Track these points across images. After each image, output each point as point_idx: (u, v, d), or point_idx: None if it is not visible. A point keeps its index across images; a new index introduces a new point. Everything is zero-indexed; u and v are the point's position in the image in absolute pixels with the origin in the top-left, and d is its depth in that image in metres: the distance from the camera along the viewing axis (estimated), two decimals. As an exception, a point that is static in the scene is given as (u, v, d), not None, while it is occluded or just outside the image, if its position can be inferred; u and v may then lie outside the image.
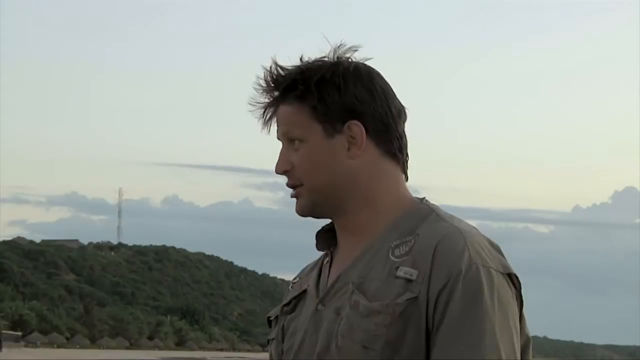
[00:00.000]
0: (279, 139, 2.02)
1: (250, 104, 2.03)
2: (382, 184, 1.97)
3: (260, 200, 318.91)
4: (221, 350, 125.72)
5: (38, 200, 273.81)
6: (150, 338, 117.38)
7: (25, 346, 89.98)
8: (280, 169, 2.00)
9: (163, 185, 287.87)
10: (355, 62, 1.99)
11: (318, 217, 2.02)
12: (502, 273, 1.87)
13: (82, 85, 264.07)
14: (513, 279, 1.89)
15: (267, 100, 2.01)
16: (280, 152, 2.00)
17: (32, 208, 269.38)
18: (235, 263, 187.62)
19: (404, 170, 2.00)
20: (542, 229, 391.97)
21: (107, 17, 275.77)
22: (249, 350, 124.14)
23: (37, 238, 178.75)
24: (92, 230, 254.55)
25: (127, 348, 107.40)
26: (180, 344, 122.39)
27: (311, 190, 1.97)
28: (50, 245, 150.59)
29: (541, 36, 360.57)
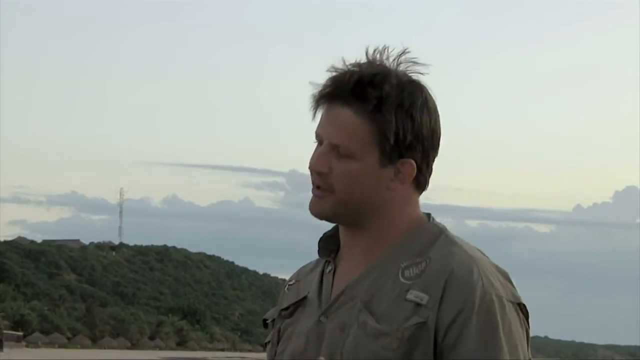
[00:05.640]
0: (320, 135, 1.95)
1: (323, 85, 1.93)
2: (405, 211, 1.96)
3: (260, 200, 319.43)
4: (222, 350, 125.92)
5: (38, 200, 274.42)
6: (152, 338, 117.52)
7: (27, 346, 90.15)
8: (317, 169, 1.93)
9: (163, 185, 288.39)
10: (425, 88, 1.95)
11: (331, 222, 2.00)
12: (512, 302, 1.88)
13: (83, 86, 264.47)
14: (522, 308, 1.91)
15: (336, 92, 1.92)
16: (321, 152, 1.94)
17: (32, 208, 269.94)
18: (236, 263, 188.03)
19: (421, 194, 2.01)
20: (543, 228, 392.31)
21: (110, 18, 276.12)
22: (250, 350, 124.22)
23: (37, 238, 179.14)
24: (92, 230, 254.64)
25: (128, 348, 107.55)
26: (182, 344, 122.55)
27: (339, 202, 1.93)
28: (52, 245, 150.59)
29: (542, 35, 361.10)
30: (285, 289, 2.09)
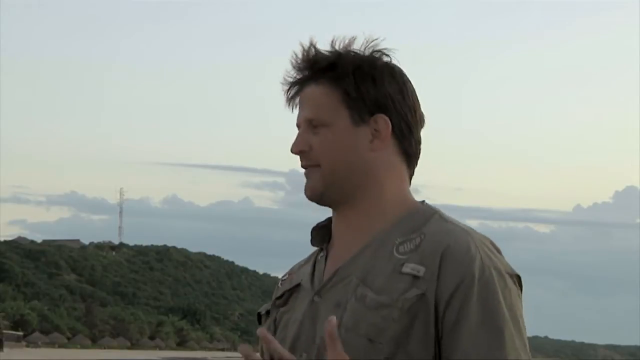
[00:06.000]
0: (298, 122, 2.01)
1: (286, 78, 2.02)
2: (393, 182, 1.98)
3: (260, 200, 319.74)
4: (222, 350, 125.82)
5: (38, 200, 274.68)
6: (152, 338, 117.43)
7: (27, 346, 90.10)
8: (297, 149, 1.98)
9: (163, 185, 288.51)
10: (390, 62, 2.01)
11: (324, 204, 2.01)
12: (509, 274, 1.91)
13: (83, 86, 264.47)
14: (518, 279, 1.94)
15: (299, 77, 2.01)
16: (299, 133, 2.00)
17: (32, 208, 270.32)
18: (236, 263, 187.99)
19: (411, 174, 2.02)
20: (543, 228, 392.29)
21: (110, 18, 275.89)
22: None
23: (37, 238, 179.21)
24: (92, 230, 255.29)
25: (128, 348, 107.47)
26: (181, 344, 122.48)
27: (327, 173, 1.96)
28: (52, 245, 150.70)
29: (542, 35, 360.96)
30: (279, 284, 2.10)
